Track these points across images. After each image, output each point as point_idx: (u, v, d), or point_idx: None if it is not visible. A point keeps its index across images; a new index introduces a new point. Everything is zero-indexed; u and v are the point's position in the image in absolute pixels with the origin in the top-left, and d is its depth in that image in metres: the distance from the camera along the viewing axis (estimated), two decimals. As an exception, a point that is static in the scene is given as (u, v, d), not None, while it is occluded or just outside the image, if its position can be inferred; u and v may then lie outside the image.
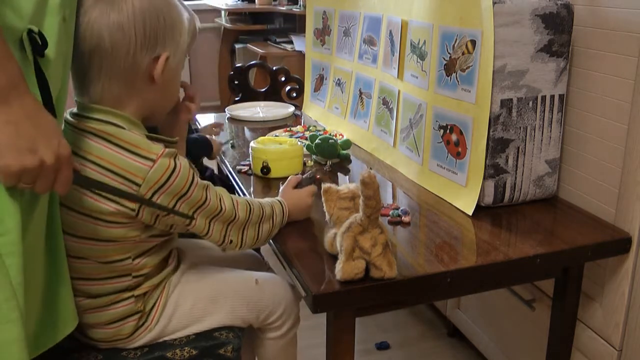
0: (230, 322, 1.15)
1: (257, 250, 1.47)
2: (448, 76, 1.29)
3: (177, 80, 1.08)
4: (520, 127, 1.23)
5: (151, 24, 0.96)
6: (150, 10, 0.96)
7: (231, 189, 1.26)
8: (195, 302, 1.11)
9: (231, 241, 1.06)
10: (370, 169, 1.51)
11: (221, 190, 1.05)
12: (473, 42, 1.21)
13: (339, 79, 1.88)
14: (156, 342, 1.09)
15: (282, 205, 1.14)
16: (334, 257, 1.01)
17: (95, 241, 0.98)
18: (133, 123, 0.99)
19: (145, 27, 0.95)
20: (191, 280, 1.12)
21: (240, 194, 1.37)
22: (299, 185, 1.24)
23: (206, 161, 1.82)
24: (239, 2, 4.55)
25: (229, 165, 1.54)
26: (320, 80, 2.01)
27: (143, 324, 1.07)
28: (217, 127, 1.82)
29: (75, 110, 1.00)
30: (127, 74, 0.97)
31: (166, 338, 1.10)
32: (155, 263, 1.06)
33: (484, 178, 1.23)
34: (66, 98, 0.92)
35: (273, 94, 2.29)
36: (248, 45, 4.18)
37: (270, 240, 1.16)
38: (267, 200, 1.14)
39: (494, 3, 1.14)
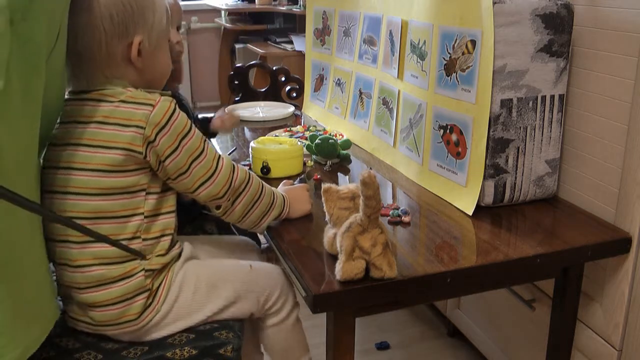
0: (231, 311, 1.16)
1: (257, 241, 1.47)
2: (448, 76, 1.29)
3: (161, 56, 1.10)
4: (520, 127, 1.23)
5: (118, 15, 1.01)
6: (116, 2, 1.01)
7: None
8: (196, 288, 1.13)
9: (228, 199, 1.08)
10: (370, 169, 1.52)
11: (224, 156, 1.10)
12: (473, 42, 1.21)
13: (339, 79, 1.88)
14: (160, 331, 1.10)
15: (282, 195, 1.18)
16: (334, 257, 1.01)
17: (110, 195, 1.02)
18: (128, 86, 1.05)
19: (112, 20, 1.00)
20: (192, 269, 1.14)
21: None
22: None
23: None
24: (239, 2, 4.55)
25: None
26: (320, 80, 2.01)
27: (150, 304, 1.08)
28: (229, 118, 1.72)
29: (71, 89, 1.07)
30: (106, 64, 1.03)
31: (169, 331, 1.11)
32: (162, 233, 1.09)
33: (484, 178, 1.23)
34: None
35: (273, 94, 2.29)
36: (248, 45, 4.18)
37: (271, 240, 1.16)
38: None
39: (494, 3, 1.14)
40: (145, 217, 1.06)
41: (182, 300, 1.11)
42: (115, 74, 1.04)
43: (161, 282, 1.10)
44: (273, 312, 1.21)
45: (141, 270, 1.06)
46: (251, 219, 1.13)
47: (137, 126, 0.99)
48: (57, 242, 1.04)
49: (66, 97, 1.07)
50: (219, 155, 1.08)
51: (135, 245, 1.05)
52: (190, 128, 1.03)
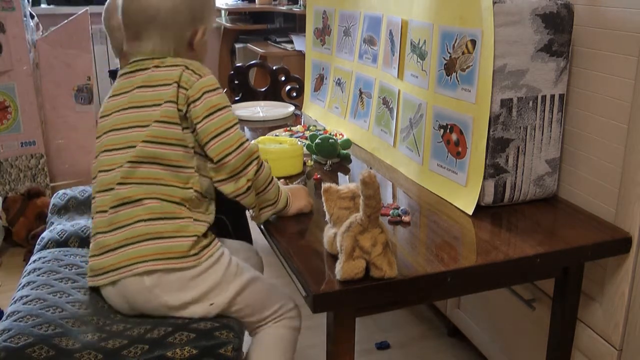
0: (247, 293, 1.19)
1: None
2: (448, 76, 1.29)
3: (206, 47, 1.29)
4: (520, 127, 1.23)
5: (196, 6, 1.21)
6: None
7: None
8: (228, 266, 1.18)
9: (249, 172, 1.13)
10: (370, 168, 1.52)
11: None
12: (473, 42, 1.21)
13: (339, 79, 1.88)
14: (200, 284, 1.15)
15: (285, 190, 1.23)
16: (334, 257, 1.01)
17: (165, 144, 1.14)
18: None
19: (191, 9, 1.21)
20: (228, 253, 1.21)
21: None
22: None
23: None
24: (239, 1, 4.55)
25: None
26: (320, 80, 2.01)
27: (199, 252, 1.14)
28: None
29: (130, 65, 1.21)
30: (173, 40, 1.21)
31: (202, 289, 1.15)
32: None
33: (484, 178, 1.23)
34: None
35: (273, 94, 2.29)
36: (248, 45, 4.18)
37: (271, 240, 1.16)
38: None
39: (494, 3, 1.14)
40: (196, 170, 1.15)
41: (216, 268, 1.16)
42: (176, 49, 1.21)
43: (209, 244, 1.16)
44: (289, 316, 1.25)
45: (189, 217, 1.14)
46: (267, 196, 1.18)
47: (183, 87, 1.14)
48: (105, 191, 1.15)
49: (126, 70, 1.21)
50: (246, 138, 1.16)
51: (189, 194, 1.14)
52: (226, 106, 1.15)
